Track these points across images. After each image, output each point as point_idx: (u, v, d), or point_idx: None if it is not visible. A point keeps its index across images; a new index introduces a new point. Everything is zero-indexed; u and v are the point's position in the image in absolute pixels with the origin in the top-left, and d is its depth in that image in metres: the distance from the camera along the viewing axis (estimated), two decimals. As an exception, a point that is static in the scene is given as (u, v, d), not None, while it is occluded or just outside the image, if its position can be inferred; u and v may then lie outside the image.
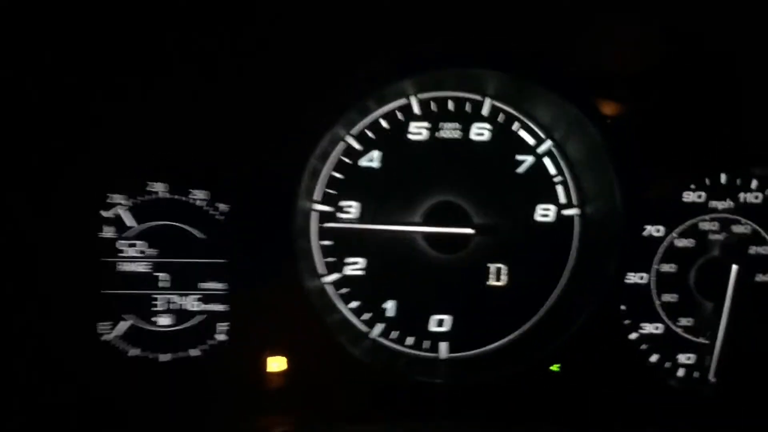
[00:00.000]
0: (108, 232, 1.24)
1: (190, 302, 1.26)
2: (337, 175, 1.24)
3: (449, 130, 1.25)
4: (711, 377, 1.30)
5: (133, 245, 1.24)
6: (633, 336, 1.30)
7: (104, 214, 1.23)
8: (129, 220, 1.24)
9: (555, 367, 1.27)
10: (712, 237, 1.29)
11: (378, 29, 1.16)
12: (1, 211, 1.19)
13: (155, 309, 1.26)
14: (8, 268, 1.20)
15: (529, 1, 1.16)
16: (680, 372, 1.32)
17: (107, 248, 1.24)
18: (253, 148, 1.21)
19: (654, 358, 1.31)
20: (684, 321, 1.31)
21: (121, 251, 1.24)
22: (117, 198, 1.23)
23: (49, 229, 1.21)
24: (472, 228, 1.25)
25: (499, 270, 1.28)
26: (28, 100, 1.19)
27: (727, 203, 1.28)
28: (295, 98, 1.18)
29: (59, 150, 1.20)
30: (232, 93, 1.21)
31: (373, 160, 1.24)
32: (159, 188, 1.24)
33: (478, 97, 1.24)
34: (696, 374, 1.32)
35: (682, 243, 1.29)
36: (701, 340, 1.31)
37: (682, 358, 1.32)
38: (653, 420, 1.25)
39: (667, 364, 1.32)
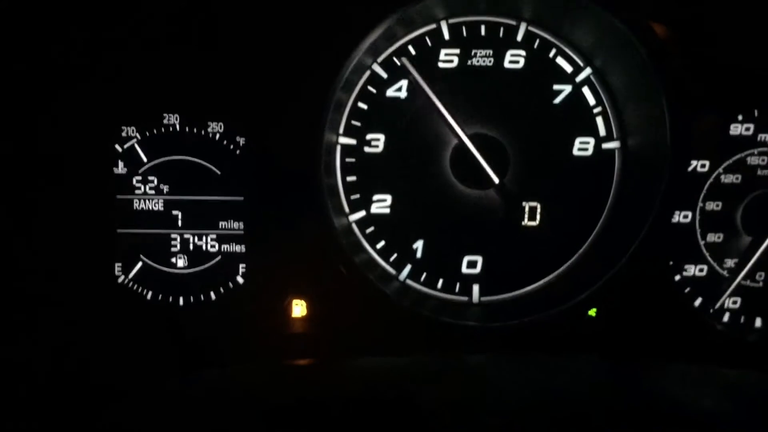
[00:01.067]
0: (122, 168, 1.17)
1: (207, 242, 1.19)
2: (362, 105, 1.16)
3: (482, 58, 1.17)
4: (757, 323, 1.23)
5: (148, 182, 1.18)
6: (677, 278, 1.23)
7: (119, 148, 1.16)
8: (143, 154, 1.17)
9: (592, 312, 1.20)
10: (762, 172, 1.21)
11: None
12: (14, 146, 1.13)
13: (172, 250, 1.19)
14: (21, 205, 1.14)
15: None
16: (726, 317, 1.24)
17: (122, 185, 1.17)
18: (272, 77, 1.14)
19: (698, 301, 1.24)
20: (730, 262, 1.23)
21: (137, 188, 1.17)
22: (131, 131, 1.16)
23: (63, 165, 1.15)
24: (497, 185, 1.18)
25: (534, 209, 1.21)
26: (45, 30, 1.12)
27: (778, 136, 1.20)
28: (317, 21, 1.10)
29: (72, 81, 1.14)
30: (251, 19, 1.14)
31: (400, 89, 1.17)
32: (173, 120, 1.16)
33: (512, 22, 1.17)
34: (743, 319, 1.24)
35: (728, 179, 1.21)
36: (748, 282, 1.23)
37: (728, 302, 1.24)
38: (696, 364, 1.18)
39: (713, 309, 1.24)
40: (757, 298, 1.24)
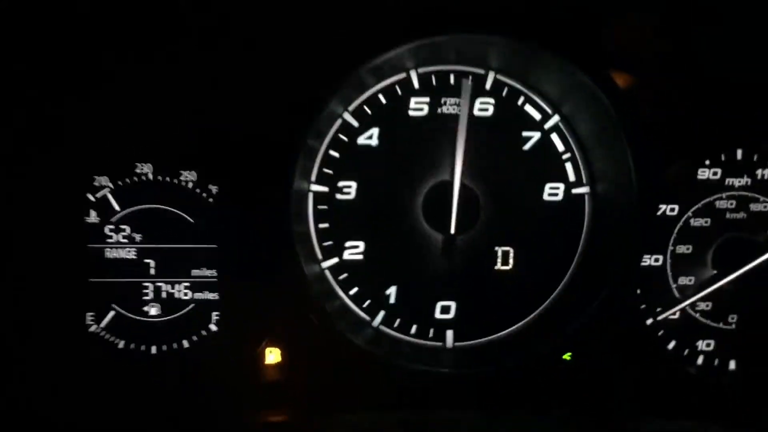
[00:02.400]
0: (94, 217, 1.17)
1: (180, 290, 1.19)
2: (334, 153, 1.18)
3: (451, 106, 1.18)
4: (731, 366, 1.24)
5: (120, 230, 1.18)
6: (649, 322, 1.23)
7: (91, 197, 1.17)
8: (115, 203, 1.17)
9: (567, 356, 1.20)
10: (730, 216, 1.22)
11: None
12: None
13: (144, 298, 1.19)
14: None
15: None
16: (699, 359, 1.25)
17: (94, 234, 1.18)
18: (245, 127, 1.15)
19: (671, 345, 1.24)
20: (702, 305, 1.24)
21: (109, 237, 1.18)
22: (103, 180, 1.17)
23: (34, 214, 1.16)
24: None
25: (506, 253, 1.21)
26: (14, 81, 1.13)
27: (744, 180, 1.22)
28: (289, 72, 1.12)
29: (44, 131, 1.15)
30: (222, 69, 1.16)
31: (371, 137, 1.18)
32: (146, 169, 1.17)
33: (480, 71, 1.18)
34: (716, 362, 1.25)
35: (698, 222, 1.22)
36: (720, 325, 1.24)
37: (701, 344, 1.25)
38: (671, 409, 1.18)
39: (686, 352, 1.24)
40: (730, 340, 1.24)
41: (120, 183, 1.17)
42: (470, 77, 1.16)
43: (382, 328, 1.22)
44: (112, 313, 1.19)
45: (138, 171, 1.17)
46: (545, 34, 1.08)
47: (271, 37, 1.13)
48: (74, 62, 1.14)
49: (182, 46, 1.16)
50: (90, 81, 1.15)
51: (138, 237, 1.18)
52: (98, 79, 1.15)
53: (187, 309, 1.20)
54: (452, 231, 1.16)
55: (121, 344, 1.20)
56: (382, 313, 1.21)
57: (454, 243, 1.18)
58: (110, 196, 1.17)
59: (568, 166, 1.21)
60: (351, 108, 1.18)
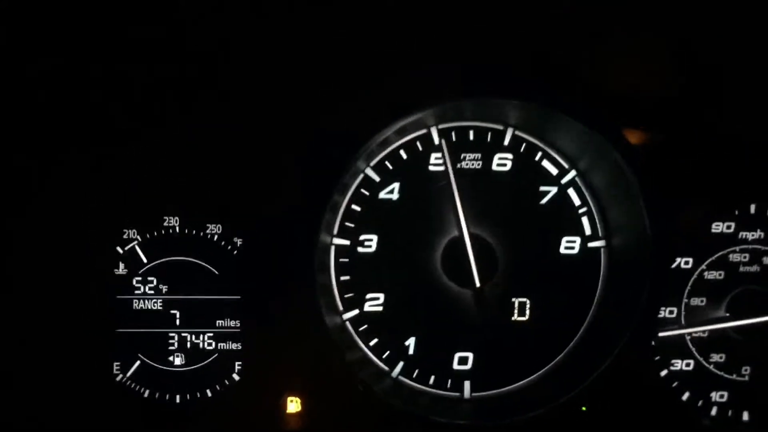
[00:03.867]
0: (122, 269, 1.20)
1: (204, 340, 1.22)
2: (356, 207, 1.21)
3: (470, 161, 1.21)
4: (744, 417, 1.26)
5: (147, 282, 1.21)
6: (663, 373, 1.25)
7: (119, 250, 1.20)
8: (143, 256, 1.20)
9: (583, 407, 1.22)
10: (743, 269, 1.24)
11: (395, 60, 1.14)
12: (17, 250, 1.16)
13: (170, 348, 1.22)
14: (24, 306, 1.18)
15: (551, 31, 1.14)
16: (713, 410, 1.26)
17: (122, 285, 1.21)
18: (270, 182, 1.18)
19: (686, 396, 1.26)
20: (716, 357, 1.26)
21: (136, 288, 1.21)
22: (132, 233, 1.20)
23: (65, 266, 1.19)
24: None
25: (523, 305, 1.24)
26: (44, 134, 1.17)
27: (758, 234, 1.24)
28: (316, 130, 1.15)
29: (75, 186, 1.18)
30: (250, 125, 1.19)
31: (392, 192, 1.21)
32: (173, 222, 1.20)
33: (499, 127, 1.21)
34: (730, 413, 1.26)
35: (712, 275, 1.25)
36: (734, 377, 1.26)
37: (715, 395, 1.27)
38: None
39: (700, 403, 1.26)
40: (743, 392, 1.26)
41: (148, 236, 1.20)
42: (442, 137, 1.20)
43: (401, 378, 1.24)
44: (138, 363, 1.22)
45: (165, 224, 1.20)
46: (558, 98, 1.12)
47: (300, 95, 1.16)
48: (102, 117, 1.18)
49: (208, 100, 1.19)
50: (119, 137, 1.19)
51: (164, 288, 1.21)
52: (126, 135, 1.19)
53: (211, 359, 1.23)
54: (477, 284, 1.18)
55: (147, 393, 1.23)
56: (401, 364, 1.24)
57: (484, 295, 1.20)
58: (138, 249, 1.20)
59: (584, 220, 1.24)
60: (373, 163, 1.21)
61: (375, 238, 1.21)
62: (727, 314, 1.24)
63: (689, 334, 1.25)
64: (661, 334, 1.23)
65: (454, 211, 1.18)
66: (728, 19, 1.08)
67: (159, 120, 1.20)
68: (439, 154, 1.21)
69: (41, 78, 1.12)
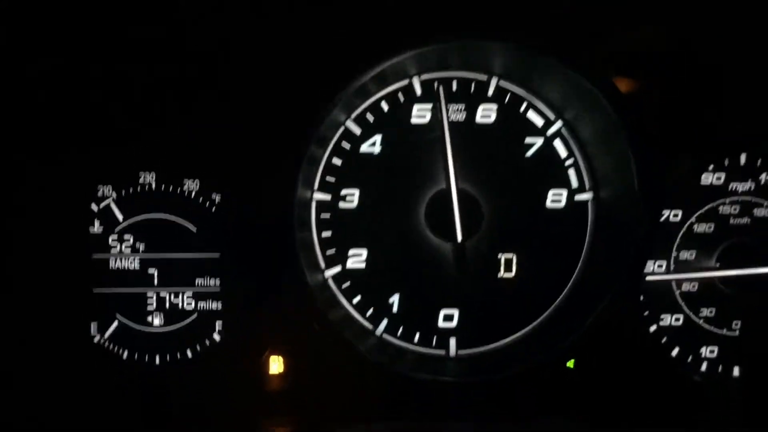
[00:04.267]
0: (97, 227, 1.17)
1: (183, 300, 1.20)
2: (337, 161, 1.18)
3: (453, 113, 1.18)
4: (735, 372, 1.24)
5: (124, 240, 1.18)
6: (652, 328, 1.23)
7: (94, 207, 1.17)
8: (119, 213, 1.17)
9: (570, 363, 1.20)
10: (734, 221, 1.22)
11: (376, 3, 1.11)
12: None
13: (148, 308, 1.19)
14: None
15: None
16: (703, 366, 1.24)
17: (98, 244, 1.18)
18: (247, 135, 1.15)
19: (675, 351, 1.24)
20: (705, 311, 1.24)
21: (113, 247, 1.18)
22: (107, 190, 1.17)
23: (38, 225, 1.16)
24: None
25: (509, 260, 1.21)
26: (19, 91, 1.14)
27: (748, 185, 1.22)
28: (292, 80, 1.12)
29: (49, 141, 1.15)
30: (225, 77, 1.16)
31: (374, 145, 1.18)
32: (149, 179, 1.17)
33: (483, 77, 1.18)
34: (720, 368, 1.24)
35: (701, 228, 1.22)
36: (724, 331, 1.24)
37: (705, 351, 1.24)
38: (675, 416, 1.18)
39: (690, 358, 1.24)
40: (734, 347, 1.24)
41: (123, 192, 1.17)
42: (440, 85, 1.16)
43: (386, 336, 1.21)
44: (115, 323, 1.19)
45: (141, 180, 1.17)
46: (547, 40, 1.08)
47: (274, 45, 1.14)
48: (81, 74, 1.15)
49: (184, 58, 1.16)
50: (94, 92, 1.15)
51: (141, 246, 1.18)
52: (102, 90, 1.16)
53: (191, 319, 1.20)
54: (459, 239, 1.16)
55: (125, 354, 1.20)
56: (385, 322, 1.21)
57: (464, 250, 1.17)
58: (114, 206, 1.17)
59: (571, 172, 1.21)
60: (353, 116, 1.17)
61: (357, 192, 1.19)
62: (718, 264, 1.21)
63: (677, 281, 1.22)
64: (648, 278, 1.20)
65: (444, 164, 1.15)
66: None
67: (135, 76, 1.17)
68: (422, 105, 1.18)
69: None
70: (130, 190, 1.18)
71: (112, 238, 1.18)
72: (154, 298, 1.20)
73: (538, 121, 1.20)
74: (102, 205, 1.17)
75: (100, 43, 1.12)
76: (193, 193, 1.18)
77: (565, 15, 1.11)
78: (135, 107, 1.16)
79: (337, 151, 1.18)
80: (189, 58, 1.16)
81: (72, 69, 1.15)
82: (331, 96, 1.08)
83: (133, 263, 1.18)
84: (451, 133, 1.16)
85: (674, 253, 1.22)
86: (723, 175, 1.21)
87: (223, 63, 1.16)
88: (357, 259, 1.20)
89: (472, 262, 1.20)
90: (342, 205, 1.19)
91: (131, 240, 1.18)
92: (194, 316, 1.20)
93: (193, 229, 1.18)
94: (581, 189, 1.21)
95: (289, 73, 1.12)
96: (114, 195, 1.17)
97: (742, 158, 1.21)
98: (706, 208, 1.22)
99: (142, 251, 1.18)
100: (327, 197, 1.18)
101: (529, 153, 1.20)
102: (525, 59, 1.12)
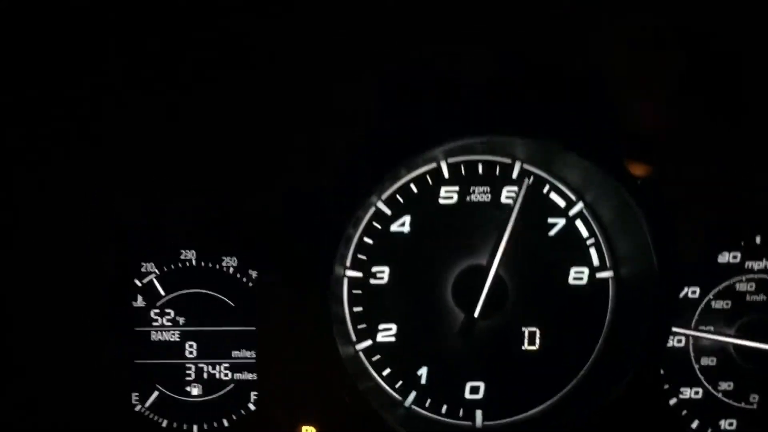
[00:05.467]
0: (140, 302, 1.23)
1: (221, 371, 1.25)
2: (368, 240, 1.24)
3: (479, 194, 1.24)
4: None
5: (165, 314, 1.24)
6: (672, 401, 1.27)
7: (138, 283, 1.23)
8: (161, 288, 1.23)
9: (593, 436, 1.24)
10: (750, 298, 1.26)
11: (412, 102, 1.18)
12: (38, 282, 1.20)
13: (187, 379, 1.25)
14: (46, 339, 1.21)
15: (553, 69, 1.17)
16: (723, 438, 1.28)
17: (140, 317, 1.24)
18: (284, 216, 1.21)
19: (695, 424, 1.27)
20: (724, 385, 1.27)
21: (154, 320, 1.24)
22: (149, 266, 1.23)
23: (87, 301, 1.22)
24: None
25: (533, 334, 1.26)
26: (68, 167, 1.20)
27: (763, 263, 1.26)
28: (330, 165, 1.19)
29: (95, 221, 1.22)
30: (262, 161, 1.22)
31: (404, 225, 1.24)
32: (190, 256, 1.23)
33: (507, 161, 1.24)
34: (739, 440, 1.28)
35: (719, 305, 1.26)
36: (742, 405, 1.27)
37: (724, 423, 1.28)
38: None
39: (709, 431, 1.27)
40: (752, 419, 1.27)
41: (165, 269, 1.23)
42: (531, 176, 1.23)
43: (414, 408, 1.26)
44: (156, 393, 1.25)
45: (182, 257, 1.23)
46: (560, 134, 1.14)
47: (313, 133, 1.20)
48: (119, 157, 1.22)
49: (222, 133, 1.23)
50: (137, 174, 1.22)
51: (181, 320, 1.24)
52: (145, 172, 1.22)
53: (227, 389, 1.25)
54: (476, 314, 1.21)
55: (165, 423, 1.25)
56: (413, 394, 1.26)
57: (474, 325, 1.22)
58: (156, 282, 1.23)
59: (592, 251, 1.26)
60: (384, 197, 1.23)
61: (387, 269, 1.24)
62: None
63: (696, 356, 1.27)
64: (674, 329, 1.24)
65: (495, 244, 1.21)
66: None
67: (176, 154, 1.23)
68: (449, 188, 1.24)
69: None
70: (172, 266, 1.23)
71: (153, 312, 1.24)
72: (193, 368, 1.25)
73: (560, 203, 1.25)
74: (145, 280, 1.23)
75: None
76: (231, 270, 1.24)
77: (579, 105, 1.17)
78: (178, 188, 1.22)
79: (369, 230, 1.24)
80: (227, 141, 1.22)
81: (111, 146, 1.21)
82: (373, 183, 1.14)
83: (173, 336, 1.24)
84: (476, 213, 1.22)
85: (693, 329, 1.26)
86: (739, 254, 1.26)
87: (260, 142, 1.22)
88: (387, 333, 1.25)
89: (496, 335, 1.25)
90: (373, 281, 1.24)
91: (172, 314, 1.24)
92: (231, 386, 1.26)
93: (231, 303, 1.24)
94: (602, 267, 1.26)
95: (327, 159, 1.19)
96: (156, 272, 1.23)
97: (758, 239, 1.25)
98: (724, 285, 1.26)
99: (182, 324, 1.24)
100: (359, 274, 1.24)
101: (552, 232, 1.25)
102: (544, 148, 1.18)
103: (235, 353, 1.25)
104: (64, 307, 1.22)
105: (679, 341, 1.27)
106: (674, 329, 1.25)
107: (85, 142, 1.20)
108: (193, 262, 1.24)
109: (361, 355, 1.25)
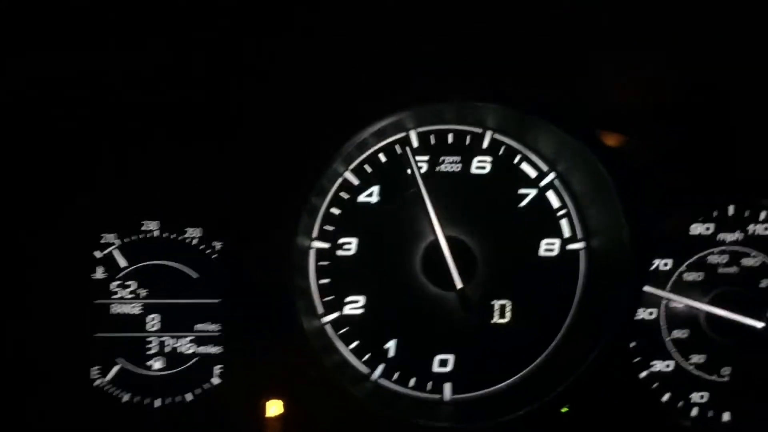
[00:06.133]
0: (100, 273, 1.20)
1: (184, 344, 1.22)
2: (335, 211, 1.21)
3: (449, 164, 1.22)
4: (725, 418, 1.26)
5: (126, 286, 1.21)
6: (643, 374, 1.25)
7: (98, 254, 1.20)
8: (121, 260, 1.20)
9: (564, 409, 1.22)
10: (722, 270, 1.25)
11: (376, 64, 1.15)
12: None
13: (148, 352, 1.22)
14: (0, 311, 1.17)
15: (531, 34, 1.14)
16: (694, 411, 1.27)
17: (100, 290, 1.20)
18: (249, 185, 1.18)
19: (666, 397, 1.26)
20: (695, 358, 1.26)
21: (114, 293, 1.20)
22: (110, 238, 1.19)
23: (41, 271, 1.19)
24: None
25: (503, 307, 1.24)
26: (26, 140, 1.17)
27: (736, 235, 1.25)
28: (292, 134, 1.16)
29: (53, 190, 1.18)
30: (228, 130, 1.19)
31: (371, 195, 1.21)
32: (153, 227, 1.20)
33: (478, 130, 1.22)
34: (710, 413, 1.27)
35: (691, 277, 1.25)
36: (714, 377, 1.26)
37: (695, 396, 1.27)
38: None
39: (680, 404, 1.26)
40: (724, 392, 1.26)
41: (126, 240, 1.20)
42: (407, 146, 1.21)
43: (382, 381, 1.24)
44: (117, 367, 1.22)
45: (144, 228, 1.20)
46: (536, 102, 1.12)
47: (277, 98, 1.17)
48: (85, 125, 1.18)
49: (189, 106, 1.19)
50: (100, 143, 1.19)
51: (143, 292, 1.21)
52: (108, 140, 1.19)
53: (191, 362, 1.23)
54: (459, 285, 1.19)
55: (126, 397, 1.22)
56: (381, 367, 1.23)
57: (468, 295, 1.20)
58: (117, 253, 1.20)
59: (564, 222, 1.24)
60: (352, 166, 1.21)
61: (354, 241, 1.22)
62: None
63: (667, 328, 1.25)
64: (645, 288, 1.22)
65: (427, 216, 1.18)
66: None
67: (140, 126, 1.20)
68: (418, 157, 1.21)
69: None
70: (133, 238, 1.20)
71: (113, 285, 1.20)
72: (155, 342, 1.22)
73: (532, 173, 1.23)
74: (105, 252, 1.20)
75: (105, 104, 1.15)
76: (195, 241, 1.21)
77: (554, 74, 1.14)
78: (140, 158, 1.19)
79: (336, 201, 1.21)
80: (191, 108, 1.19)
81: (77, 116, 1.18)
82: (332, 150, 1.11)
83: (134, 309, 1.21)
84: (445, 183, 1.20)
85: (664, 301, 1.25)
86: (712, 226, 1.24)
87: (227, 114, 1.19)
88: (354, 305, 1.23)
89: (472, 306, 1.22)
90: (340, 253, 1.22)
91: (134, 286, 1.21)
92: (194, 359, 1.23)
93: (195, 275, 1.21)
94: (573, 239, 1.24)
95: (291, 126, 1.16)
96: (117, 242, 1.19)
97: (731, 210, 1.24)
98: (696, 257, 1.25)
99: (144, 297, 1.21)
100: (325, 245, 1.21)
101: (523, 203, 1.23)
102: (516, 116, 1.15)
103: (198, 326, 1.22)
104: (20, 279, 1.18)
105: (651, 314, 1.25)
106: (646, 289, 1.23)
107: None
108: (156, 234, 1.21)
109: (328, 327, 1.23)
